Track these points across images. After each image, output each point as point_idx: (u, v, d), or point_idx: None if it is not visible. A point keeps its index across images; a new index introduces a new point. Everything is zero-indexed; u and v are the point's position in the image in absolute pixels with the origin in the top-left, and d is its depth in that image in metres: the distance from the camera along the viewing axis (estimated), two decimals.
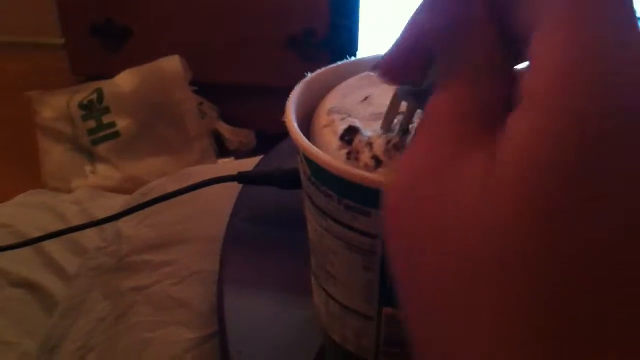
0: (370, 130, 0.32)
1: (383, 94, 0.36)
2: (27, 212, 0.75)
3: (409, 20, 0.23)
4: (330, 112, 0.35)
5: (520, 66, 0.20)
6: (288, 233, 0.51)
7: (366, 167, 0.31)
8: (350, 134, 0.32)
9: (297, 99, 0.36)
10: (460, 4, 0.21)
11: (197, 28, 1.65)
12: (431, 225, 0.19)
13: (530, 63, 0.18)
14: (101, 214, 0.63)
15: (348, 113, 0.35)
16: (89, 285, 0.63)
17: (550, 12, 0.18)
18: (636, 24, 0.18)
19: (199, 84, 1.65)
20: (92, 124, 1.58)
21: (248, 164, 0.66)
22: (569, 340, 0.17)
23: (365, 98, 0.36)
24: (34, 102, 1.60)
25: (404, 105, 0.30)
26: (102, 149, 1.57)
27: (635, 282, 0.17)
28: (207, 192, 0.59)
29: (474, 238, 0.18)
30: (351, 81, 0.38)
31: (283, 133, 0.34)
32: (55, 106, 1.60)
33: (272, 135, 0.61)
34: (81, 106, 1.59)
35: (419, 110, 0.30)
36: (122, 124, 1.57)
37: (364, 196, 0.31)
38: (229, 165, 0.90)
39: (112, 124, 1.57)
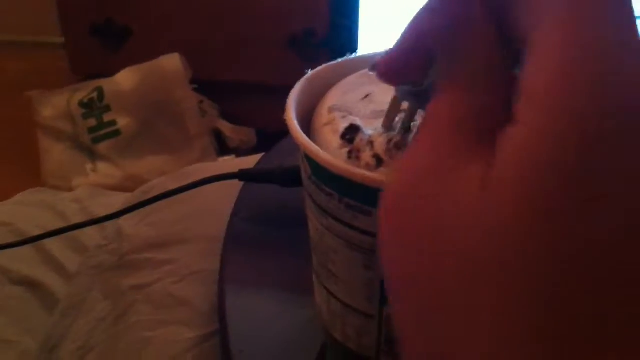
0: (372, 128, 0.32)
1: (384, 91, 0.36)
2: (27, 210, 0.75)
3: (410, 21, 0.23)
4: (331, 110, 0.35)
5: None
6: (289, 232, 0.51)
7: (367, 166, 0.30)
8: (351, 132, 0.32)
9: (298, 97, 0.35)
10: (458, 5, 0.21)
11: (197, 27, 1.65)
12: (430, 225, 0.19)
13: (530, 63, 0.18)
14: (102, 212, 0.63)
15: (349, 111, 0.35)
16: (90, 284, 0.63)
17: (550, 12, 0.18)
18: (635, 24, 0.18)
19: (200, 82, 1.65)
20: (92, 122, 1.58)
21: (249, 162, 0.66)
22: (569, 340, 0.17)
23: (366, 96, 0.36)
24: (35, 101, 1.60)
25: (405, 104, 0.30)
26: (102, 147, 1.57)
27: (635, 282, 0.17)
28: (208, 191, 0.59)
29: (473, 238, 0.18)
30: (352, 78, 0.38)
31: (284, 131, 0.34)
32: (55, 105, 1.60)
33: (273, 134, 0.61)
34: (82, 105, 1.58)
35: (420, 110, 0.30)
36: (123, 122, 1.57)
37: (365, 195, 0.31)
38: (230, 164, 0.89)
39: (112, 123, 1.57)
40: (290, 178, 0.55)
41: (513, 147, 0.18)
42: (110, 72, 1.61)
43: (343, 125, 0.33)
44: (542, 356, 0.17)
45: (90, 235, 0.69)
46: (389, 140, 0.30)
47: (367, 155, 0.31)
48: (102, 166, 1.57)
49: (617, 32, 0.18)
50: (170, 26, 1.66)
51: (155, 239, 0.64)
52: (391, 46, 0.24)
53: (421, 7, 0.22)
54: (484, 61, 0.20)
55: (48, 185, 1.52)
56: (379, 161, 0.30)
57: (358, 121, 0.33)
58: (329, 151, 0.32)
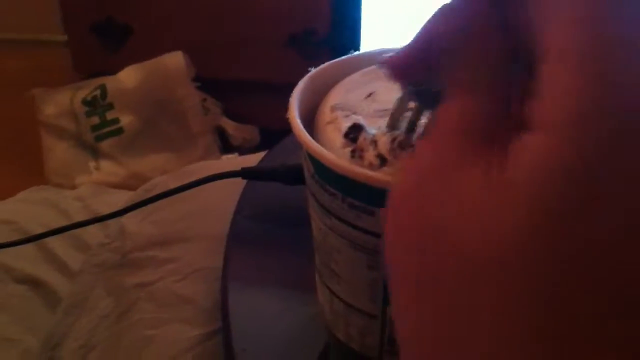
0: (375, 127, 0.32)
1: (387, 90, 0.35)
2: (30, 208, 0.75)
3: (426, 21, 0.23)
4: (334, 108, 0.35)
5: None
6: (292, 230, 0.51)
7: (371, 165, 0.30)
8: (354, 131, 0.32)
9: (301, 95, 0.35)
10: (473, 10, 0.21)
11: (199, 26, 1.65)
12: (433, 225, 0.19)
13: (541, 66, 0.18)
14: (104, 210, 0.63)
15: (352, 110, 0.34)
16: (92, 282, 0.63)
17: (561, 11, 0.18)
18: None
19: (202, 80, 1.65)
20: (95, 120, 1.58)
21: (252, 159, 0.66)
22: (569, 340, 0.17)
23: (370, 94, 0.36)
24: (37, 99, 1.60)
25: (411, 104, 0.30)
26: (105, 145, 1.57)
27: (635, 282, 0.17)
28: (210, 189, 0.59)
29: (475, 238, 0.18)
30: (355, 77, 0.38)
31: (287, 129, 0.34)
32: (58, 103, 1.60)
33: (276, 131, 0.61)
34: (85, 102, 1.59)
35: (422, 114, 0.30)
36: (126, 120, 1.57)
37: (368, 195, 0.30)
38: (233, 162, 0.89)
39: (115, 120, 1.57)
40: (293, 176, 0.55)
41: (529, 151, 0.18)
42: (113, 71, 1.61)
43: (346, 124, 0.33)
44: (542, 356, 0.17)
45: (93, 233, 0.69)
46: (393, 140, 0.30)
47: (370, 155, 0.31)
48: (105, 164, 1.57)
49: (630, 29, 0.17)
50: (172, 24, 1.66)
51: (158, 237, 0.64)
52: (402, 45, 0.24)
53: (438, 7, 0.22)
54: (495, 68, 0.20)
55: (51, 183, 1.52)
56: (382, 160, 0.30)
57: (361, 120, 0.33)
58: (332, 150, 0.32)
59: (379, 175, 0.29)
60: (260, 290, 0.50)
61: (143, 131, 1.58)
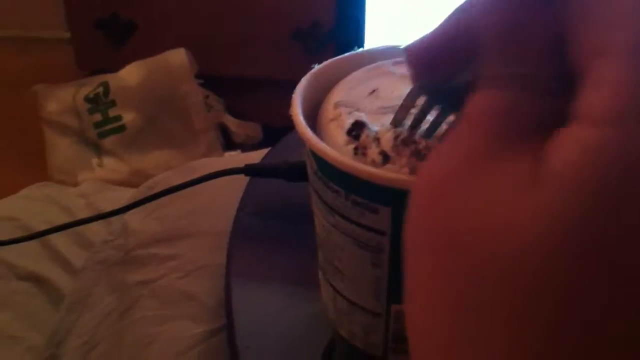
0: (378, 124, 0.32)
1: (391, 86, 0.35)
2: (33, 205, 0.75)
3: (455, 10, 0.22)
4: (337, 105, 0.35)
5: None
6: (296, 226, 0.51)
7: (373, 163, 0.30)
8: (357, 129, 0.32)
9: (304, 92, 0.35)
10: (530, 11, 0.21)
11: (202, 22, 1.65)
12: (464, 216, 0.19)
13: (587, 82, 0.19)
14: (107, 207, 0.63)
15: (355, 106, 0.34)
16: (95, 279, 0.63)
17: (616, 39, 0.18)
18: None
19: (205, 77, 1.65)
20: (98, 117, 1.58)
21: (255, 156, 0.66)
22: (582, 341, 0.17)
23: (373, 91, 0.35)
24: (40, 96, 1.60)
25: (419, 100, 0.30)
26: (108, 142, 1.57)
27: None
28: (213, 186, 0.59)
29: (513, 229, 0.18)
30: (358, 73, 0.38)
31: (290, 126, 0.33)
32: (61, 100, 1.60)
33: (279, 128, 0.61)
34: (87, 99, 1.59)
35: (430, 109, 0.30)
36: (128, 117, 1.57)
37: (371, 192, 0.30)
38: (236, 159, 0.89)
39: (118, 118, 1.57)
40: (296, 173, 0.55)
41: (577, 143, 0.18)
42: (116, 68, 1.61)
43: (349, 121, 0.33)
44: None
45: (96, 230, 0.69)
46: (396, 137, 0.30)
47: (373, 152, 0.30)
48: (107, 161, 1.57)
49: None
50: (175, 21, 1.66)
51: (161, 234, 0.64)
52: (427, 32, 0.23)
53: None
54: (542, 63, 0.20)
55: (54, 180, 1.52)
56: (385, 158, 0.30)
57: (364, 117, 0.33)
58: (335, 147, 0.31)
59: (382, 172, 0.29)
60: (263, 287, 0.50)
61: (145, 128, 1.58)
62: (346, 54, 0.39)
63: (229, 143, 1.67)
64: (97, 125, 1.58)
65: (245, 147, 1.64)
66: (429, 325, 0.20)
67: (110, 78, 1.60)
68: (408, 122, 0.31)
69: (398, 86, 0.35)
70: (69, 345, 0.57)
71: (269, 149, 0.67)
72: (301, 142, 0.33)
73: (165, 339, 0.54)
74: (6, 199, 0.77)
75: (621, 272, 0.17)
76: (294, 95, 0.34)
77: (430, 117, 0.30)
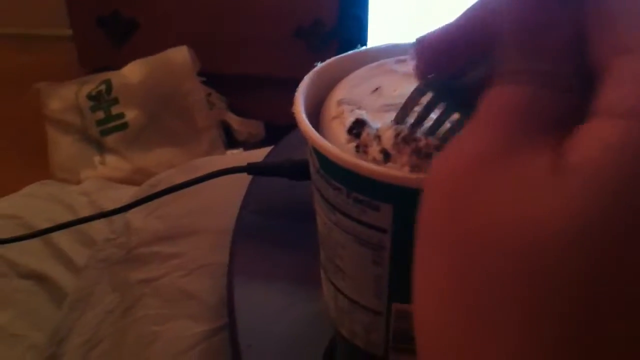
0: (381, 122, 0.32)
1: (393, 84, 0.35)
2: (35, 203, 0.75)
3: (473, 5, 0.23)
4: (340, 103, 0.35)
5: None
6: (298, 225, 0.51)
7: (374, 161, 0.30)
8: (357, 127, 0.32)
9: (307, 90, 0.35)
10: (551, 9, 0.21)
11: (204, 19, 1.64)
12: (483, 209, 0.19)
13: (607, 80, 0.19)
14: (110, 206, 0.63)
15: (358, 104, 0.34)
16: (98, 277, 0.63)
17: (637, 37, 0.19)
18: None
19: (207, 75, 1.65)
20: (100, 115, 1.58)
21: (257, 155, 0.66)
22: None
23: (376, 89, 0.35)
24: (42, 94, 1.60)
25: (424, 98, 0.30)
26: (111, 140, 1.57)
27: None
28: (216, 184, 0.59)
29: (533, 222, 0.18)
30: (361, 71, 0.38)
31: (292, 124, 0.33)
32: (63, 97, 1.60)
33: (282, 126, 0.61)
34: (90, 97, 1.59)
35: (435, 107, 0.30)
36: (131, 115, 1.57)
37: (373, 189, 0.30)
38: (238, 157, 0.89)
39: (120, 115, 1.57)
40: (299, 171, 0.55)
41: (600, 137, 0.18)
42: (118, 65, 1.62)
43: (351, 119, 0.33)
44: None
45: (98, 228, 0.69)
46: (397, 134, 0.30)
47: (374, 150, 0.30)
48: (110, 159, 1.57)
49: None
50: (177, 19, 1.66)
51: (163, 232, 0.64)
52: (441, 25, 0.24)
53: None
54: (563, 65, 0.20)
55: (56, 178, 1.52)
56: (386, 156, 0.30)
57: (365, 115, 0.33)
58: (337, 145, 0.31)
59: (384, 170, 0.29)
60: (266, 286, 0.50)
61: (148, 126, 1.58)
62: (349, 52, 0.39)
63: (231, 141, 1.67)
64: (99, 123, 1.58)
65: (247, 145, 1.63)
66: (441, 325, 0.20)
67: (112, 76, 1.60)
68: (411, 119, 0.31)
69: (401, 84, 0.35)
70: (70, 344, 0.57)
71: (271, 147, 0.67)
72: (303, 140, 0.33)
73: (167, 338, 0.53)
74: (8, 197, 0.77)
75: None
76: (296, 93, 0.34)
77: (433, 115, 0.30)
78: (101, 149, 1.58)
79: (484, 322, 0.18)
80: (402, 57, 0.37)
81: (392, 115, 0.31)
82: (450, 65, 0.25)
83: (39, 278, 0.65)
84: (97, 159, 1.57)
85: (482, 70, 0.23)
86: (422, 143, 0.29)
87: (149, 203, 0.61)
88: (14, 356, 0.59)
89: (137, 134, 1.58)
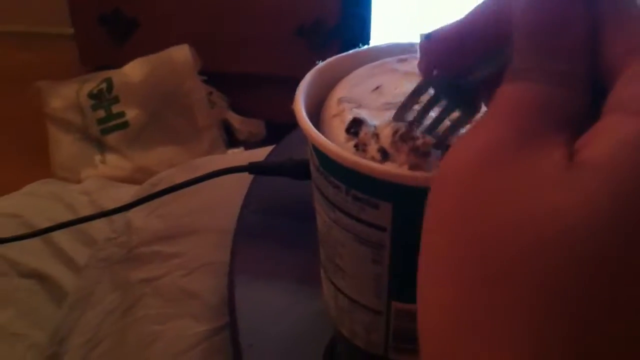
0: (380, 120, 0.32)
1: (395, 83, 0.35)
2: (36, 202, 0.75)
3: (486, 2, 0.23)
4: (340, 101, 0.35)
5: None
6: (299, 224, 0.51)
7: (373, 160, 0.30)
8: (355, 126, 0.32)
9: (307, 88, 0.35)
10: (568, 9, 0.21)
11: (205, 18, 1.64)
12: (493, 202, 0.19)
13: (622, 79, 0.19)
14: (110, 205, 0.63)
15: (358, 103, 0.34)
16: (98, 277, 0.63)
17: None
18: None
19: (209, 74, 1.65)
20: (101, 113, 1.58)
21: (259, 154, 0.65)
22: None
23: (377, 87, 0.35)
24: (44, 92, 1.60)
25: (424, 96, 0.30)
26: (111, 138, 1.57)
27: None
28: (217, 183, 0.59)
29: (544, 216, 0.18)
30: (362, 70, 0.38)
31: (293, 123, 0.33)
32: (64, 96, 1.60)
33: (283, 125, 0.61)
34: (91, 96, 1.59)
35: (435, 105, 0.30)
36: (132, 114, 1.57)
37: (372, 187, 0.30)
38: (239, 156, 0.89)
39: (121, 114, 1.57)
40: (300, 171, 0.55)
41: (617, 132, 0.18)
42: (119, 64, 1.61)
43: (351, 117, 0.33)
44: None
45: (99, 228, 0.69)
46: (395, 132, 0.30)
47: (372, 149, 0.30)
48: (111, 158, 1.57)
49: None
50: (178, 17, 1.65)
51: (164, 231, 0.64)
52: (451, 21, 0.24)
53: None
54: (578, 64, 0.21)
55: (57, 176, 1.52)
56: (384, 155, 0.30)
57: (362, 114, 0.33)
58: (337, 143, 0.31)
59: (383, 167, 0.29)
60: (267, 285, 0.50)
61: (149, 125, 1.58)
62: (350, 51, 0.39)
63: (232, 140, 1.66)
64: (100, 121, 1.58)
65: (248, 144, 1.63)
66: (450, 324, 0.20)
67: (113, 74, 1.60)
68: (410, 117, 0.30)
69: (402, 83, 0.35)
70: (71, 343, 0.57)
71: (272, 146, 0.67)
72: (304, 139, 0.33)
73: (168, 337, 0.53)
74: (9, 195, 0.77)
75: None
76: (297, 91, 0.34)
77: (433, 114, 0.30)
78: (102, 147, 1.58)
79: (496, 320, 0.18)
80: (403, 56, 0.37)
81: (392, 114, 0.31)
82: (459, 62, 0.25)
83: (40, 277, 0.65)
84: (97, 157, 1.57)
85: (488, 69, 0.23)
86: (420, 141, 0.29)
87: (150, 202, 0.61)
88: (14, 355, 0.59)
89: (138, 133, 1.57)
